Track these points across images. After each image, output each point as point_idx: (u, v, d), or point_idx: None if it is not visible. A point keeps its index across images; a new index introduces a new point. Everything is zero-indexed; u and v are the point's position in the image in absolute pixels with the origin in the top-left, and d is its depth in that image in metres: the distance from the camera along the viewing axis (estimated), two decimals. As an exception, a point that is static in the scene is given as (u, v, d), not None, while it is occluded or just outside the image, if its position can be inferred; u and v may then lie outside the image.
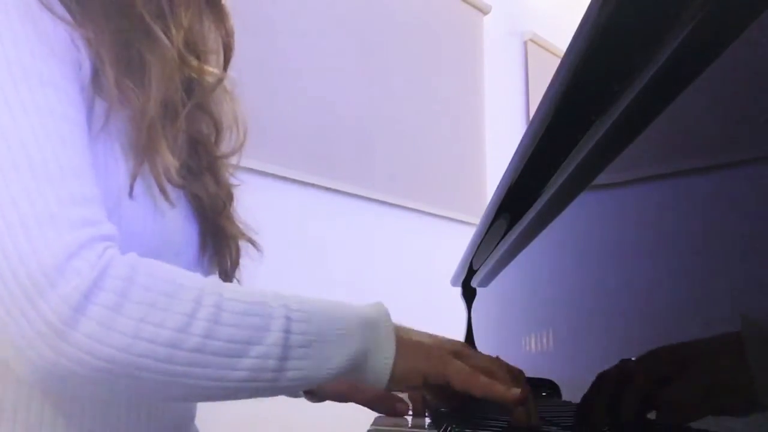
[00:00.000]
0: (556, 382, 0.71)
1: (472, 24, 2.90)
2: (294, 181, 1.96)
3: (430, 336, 0.58)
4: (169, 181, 0.55)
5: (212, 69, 0.63)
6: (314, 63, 2.13)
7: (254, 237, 0.71)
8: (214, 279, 0.51)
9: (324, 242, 2.07)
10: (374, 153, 2.35)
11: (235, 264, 0.70)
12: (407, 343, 0.54)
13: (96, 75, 0.51)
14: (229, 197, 0.68)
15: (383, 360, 0.53)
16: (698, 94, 0.41)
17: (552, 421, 0.61)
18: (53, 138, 0.45)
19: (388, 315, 0.55)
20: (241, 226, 0.69)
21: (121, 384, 0.45)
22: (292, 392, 0.53)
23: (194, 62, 0.59)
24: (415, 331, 0.58)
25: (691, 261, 0.42)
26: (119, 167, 0.52)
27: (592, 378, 0.55)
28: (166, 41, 0.54)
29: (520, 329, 0.88)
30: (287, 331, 0.49)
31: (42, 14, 0.49)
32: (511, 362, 0.59)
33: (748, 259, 0.35)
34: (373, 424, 0.79)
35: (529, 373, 0.86)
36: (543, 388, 0.75)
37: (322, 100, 2.16)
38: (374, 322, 0.54)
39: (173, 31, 0.55)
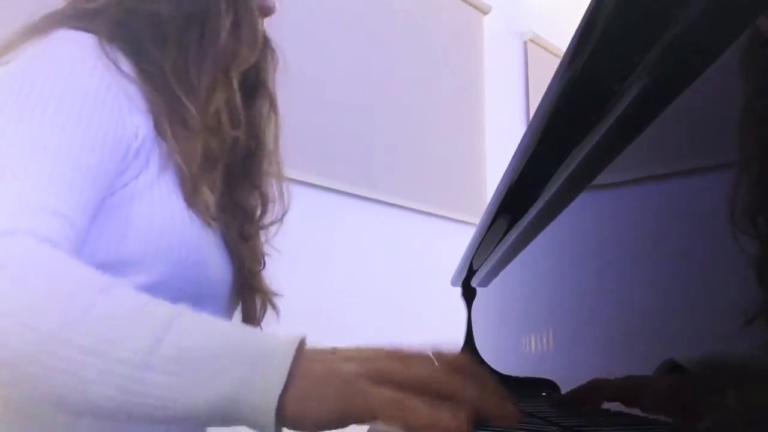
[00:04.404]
0: (556, 382, 0.71)
1: (472, 24, 2.90)
2: (293, 180, 1.96)
3: (350, 361, 0.44)
4: (208, 212, 0.66)
5: (232, 132, 0.75)
6: (314, 63, 2.13)
7: (276, 300, 0.79)
8: (121, 282, 0.49)
9: (324, 242, 2.07)
10: (374, 153, 2.34)
11: (260, 315, 0.77)
12: (309, 373, 0.43)
13: (158, 130, 0.64)
14: (262, 262, 0.78)
15: (267, 395, 0.42)
16: (698, 94, 0.41)
17: (552, 421, 0.61)
18: (44, 158, 0.53)
19: (292, 346, 0.44)
20: (267, 288, 0.78)
21: None
22: (159, 421, 0.45)
23: (221, 127, 0.70)
24: (332, 359, 0.45)
25: (691, 261, 0.42)
26: (176, 200, 0.64)
27: (591, 378, 0.55)
28: (192, 108, 0.66)
29: (520, 329, 0.88)
30: (159, 340, 0.43)
31: (119, 77, 0.61)
32: (511, 362, 0.59)
33: (748, 259, 0.35)
34: (372, 424, 0.79)
35: (529, 373, 0.86)
36: (543, 388, 0.75)
37: (321, 99, 2.16)
38: (271, 352, 0.44)
39: (204, 100, 0.67)
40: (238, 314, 0.77)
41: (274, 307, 0.78)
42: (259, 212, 0.78)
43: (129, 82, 0.63)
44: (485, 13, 2.95)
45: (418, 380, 0.43)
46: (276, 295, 0.78)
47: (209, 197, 0.67)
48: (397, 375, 0.43)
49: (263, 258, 0.79)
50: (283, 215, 0.81)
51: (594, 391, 0.56)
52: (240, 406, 0.43)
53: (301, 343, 0.44)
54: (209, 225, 0.67)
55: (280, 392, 0.42)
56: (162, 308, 0.46)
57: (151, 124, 0.64)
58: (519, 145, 0.74)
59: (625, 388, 0.51)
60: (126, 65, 0.63)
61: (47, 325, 0.44)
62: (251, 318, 0.76)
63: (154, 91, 0.65)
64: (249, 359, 0.44)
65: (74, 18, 0.64)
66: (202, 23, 0.67)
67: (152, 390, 0.43)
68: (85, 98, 0.57)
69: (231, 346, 0.45)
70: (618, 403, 0.51)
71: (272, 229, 0.82)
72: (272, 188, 0.80)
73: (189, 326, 0.45)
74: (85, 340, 0.43)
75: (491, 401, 0.42)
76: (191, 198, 0.65)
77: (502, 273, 1.02)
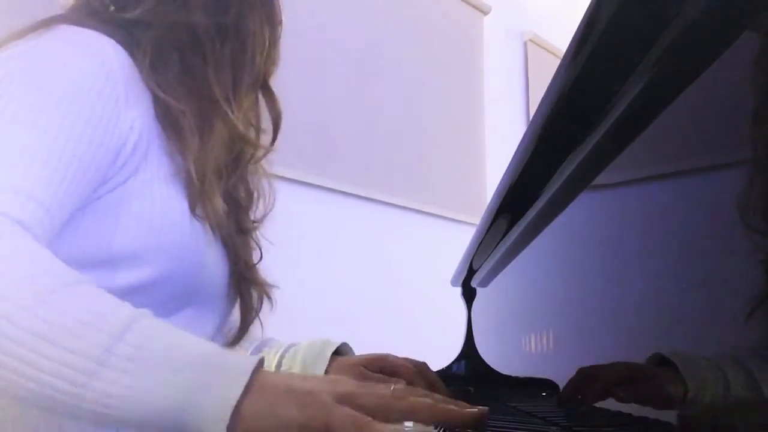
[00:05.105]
0: (556, 382, 0.71)
1: (472, 24, 2.90)
2: (293, 180, 1.96)
3: (312, 378, 0.46)
4: (217, 221, 0.67)
5: (263, 144, 0.76)
6: (314, 62, 2.13)
7: (272, 292, 0.78)
8: (88, 279, 0.48)
9: (323, 242, 2.07)
10: (374, 153, 2.35)
11: (257, 310, 0.76)
12: (268, 386, 0.43)
13: (177, 134, 0.64)
14: (256, 256, 0.78)
15: (221, 400, 0.41)
16: (697, 94, 0.41)
17: (552, 421, 0.61)
18: (29, 139, 0.53)
19: (252, 362, 0.44)
20: (263, 281, 0.77)
21: None
22: (104, 420, 0.43)
23: (252, 137, 0.74)
24: (293, 375, 0.48)
25: (691, 261, 0.42)
26: (179, 201, 0.63)
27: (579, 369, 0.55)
28: (232, 117, 0.68)
29: (520, 329, 0.88)
30: (119, 337, 0.43)
31: (132, 73, 0.61)
32: (511, 362, 0.59)
33: (748, 258, 0.35)
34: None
35: (529, 373, 0.86)
36: (543, 388, 0.75)
37: (321, 99, 2.16)
38: (232, 364, 0.44)
39: (236, 111, 0.69)
40: (237, 310, 0.77)
41: (270, 299, 0.78)
42: (248, 206, 0.79)
43: (140, 85, 0.63)
44: (485, 13, 2.95)
45: (376, 402, 0.43)
46: (272, 287, 0.78)
47: (219, 204, 0.67)
48: (358, 397, 0.43)
49: (260, 250, 0.79)
50: (271, 209, 0.81)
51: (584, 381, 0.56)
52: (191, 415, 0.42)
53: (261, 362, 0.44)
54: (213, 232, 0.67)
55: (235, 403, 0.41)
56: (126, 308, 0.45)
57: (149, 120, 0.63)
58: (519, 145, 0.74)
59: (613, 374, 0.51)
60: (147, 71, 0.63)
61: (3, 307, 0.42)
62: (249, 311, 0.76)
63: (185, 97, 0.65)
64: (208, 367, 0.43)
65: (110, 25, 0.64)
66: (241, 42, 0.71)
67: (104, 386, 0.41)
68: (81, 87, 0.57)
69: (191, 353, 0.44)
70: (617, 404, 0.51)
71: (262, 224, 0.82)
72: (258, 183, 0.80)
73: (152, 328, 0.44)
74: (42, 327, 0.42)
75: (446, 410, 0.43)
76: (201, 206, 0.65)
77: (502, 273, 1.02)
